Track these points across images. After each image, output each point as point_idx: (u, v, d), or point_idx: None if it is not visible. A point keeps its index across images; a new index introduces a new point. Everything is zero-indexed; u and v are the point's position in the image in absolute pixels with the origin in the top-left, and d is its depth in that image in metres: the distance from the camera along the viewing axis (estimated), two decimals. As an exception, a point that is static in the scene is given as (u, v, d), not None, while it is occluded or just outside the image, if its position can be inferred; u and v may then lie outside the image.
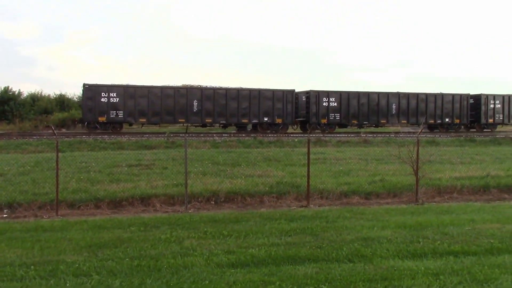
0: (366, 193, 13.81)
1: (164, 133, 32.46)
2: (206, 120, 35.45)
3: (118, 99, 33.31)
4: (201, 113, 35.15)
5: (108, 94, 33.14)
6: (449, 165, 18.25)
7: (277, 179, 14.71)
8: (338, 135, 34.19)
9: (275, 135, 32.31)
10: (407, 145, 14.25)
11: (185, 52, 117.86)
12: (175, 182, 13.89)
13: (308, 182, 12.78)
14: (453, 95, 41.83)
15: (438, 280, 6.34)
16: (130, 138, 27.64)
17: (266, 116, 36.55)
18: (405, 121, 40.59)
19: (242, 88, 36.86)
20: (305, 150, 21.26)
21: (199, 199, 12.72)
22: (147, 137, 28.37)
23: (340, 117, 38.31)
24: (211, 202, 12.73)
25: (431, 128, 42.33)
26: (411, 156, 13.58)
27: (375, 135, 32.54)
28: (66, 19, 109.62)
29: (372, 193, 13.86)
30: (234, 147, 25.13)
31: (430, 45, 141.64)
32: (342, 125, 39.07)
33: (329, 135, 32.76)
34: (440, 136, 32.90)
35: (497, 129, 44.24)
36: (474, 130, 42.14)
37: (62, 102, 49.11)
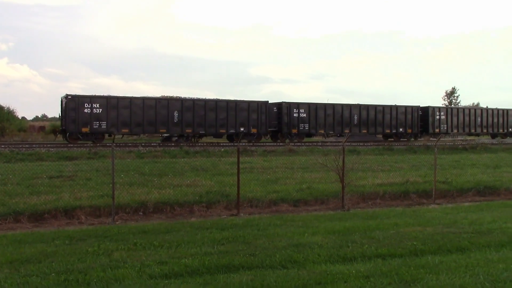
0: (295, 200, 14.03)
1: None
2: (186, 131, 36.51)
3: (101, 110, 33.49)
4: (181, 124, 36.15)
5: (91, 105, 33.30)
6: (371, 173, 18.96)
7: (206, 188, 14.62)
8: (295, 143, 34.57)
9: (201, 146, 32.19)
10: (333, 154, 14.67)
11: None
12: (100, 193, 13.41)
13: (238, 190, 12.79)
14: (405, 107, 45.64)
15: (369, 282, 6.52)
16: (50, 149, 26.42)
17: (242, 127, 38.23)
18: (365, 131, 43.94)
19: (219, 99, 38.39)
20: (232, 159, 21.48)
21: (127, 210, 12.35)
22: (67, 148, 27.25)
23: (308, 127, 40.90)
24: (139, 213, 12.41)
25: (386, 137, 45.84)
26: (336, 164, 13.97)
27: (301, 144, 33.13)
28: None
29: (301, 200, 14.10)
30: (159, 157, 24.73)
31: (345, 60, 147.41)
32: (309, 134, 41.52)
33: (256, 145, 33.05)
34: (360, 145, 34.14)
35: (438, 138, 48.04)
36: (422, 139, 45.70)
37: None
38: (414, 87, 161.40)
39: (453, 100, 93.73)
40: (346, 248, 8.43)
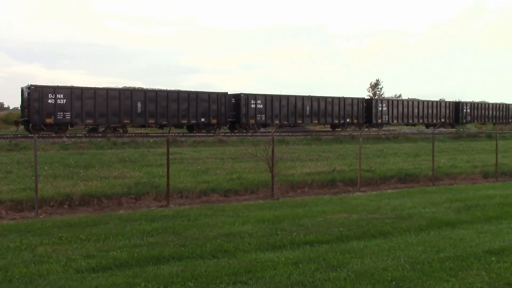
0: (225, 190, 14.09)
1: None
2: (149, 121, 36.69)
3: (65, 100, 33.16)
4: (144, 115, 36.34)
5: (55, 96, 32.88)
6: (299, 162, 19.35)
7: (135, 180, 14.36)
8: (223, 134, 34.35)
9: (130, 136, 31.49)
10: (263, 144, 14.83)
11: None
12: (22, 187, 12.84)
13: (168, 181, 12.65)
14: (352, 99, 48.03)
15: (297, 269, 6.69)
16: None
17: (203, 117, 38.84)
18: (316, 121, 45.67)
19: (181, 90, 38.49)
20: (161, 150, 21.19)
21: (51, 204, 11.89)
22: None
23: (265, 117, 41.82)
24: (65, 206, 11.98)
25: (333, 127, 47.77)
26: (266, 154, 14.15)
27: (231, 135, 33.20)
28: None
29: (231, 190, 14.18)
30: (85, 148, 23.91)
31: (275, 52, 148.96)
32: (266, 124, 42.56)
33: (186, 136, 32.77)
34: (289, 135, 34.72)
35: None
36: (367, 129, 47.38)
37: None
38: (341, 79, 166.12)
39: (377, 92, 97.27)
40: (276, 236, 8.59)
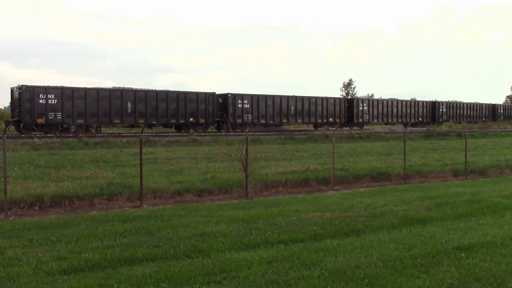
0: (199, 190, 14.05)
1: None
2: (139, 121, 37.00)
3: (56, 100, 33.35)
4: (134, 114, 36.77)
5: (46, 96, 33.04)
6: (273, 162, 19.41)
7: (108, 180, 14.19)
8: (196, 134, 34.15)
9: (102, 136, 31.14)
10: (237, 143, 14.84)
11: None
12: (-10, 188, 12.53)
13: (141, 182, 12.55)
14: (334, 99, 50.13)
15: (271, 268, 6.72)
16: None
17: (191, 117, 39.60)
18: (300, 121, 46.94)
19: (170, 90, 39.06)
20: (134, 150, 20.98)
21: (21, 205, 11.66)
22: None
23: (251, 117, 42.80)
24: (35, 208, 11.76)
25: (316, 126, 48.92)
26: (240, 153, 14.16)
27: (205, 135, 33.13)
28: None
29: (205, 190, 14.14)
30: (57, 149, 23.54)
31: (250, 51, 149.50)
32: (252, 124, 41.68)
33: (159, 136, 32.53)
34: (263, 135, 34.78)
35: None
36: (348, 128, 50.34)
37: None
38: (315, 78, 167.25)
39: (350, 91, 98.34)
40: (250, 235, 8.61)
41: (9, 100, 35.16)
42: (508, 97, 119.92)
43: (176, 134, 35.45)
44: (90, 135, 32.15)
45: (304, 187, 15.59)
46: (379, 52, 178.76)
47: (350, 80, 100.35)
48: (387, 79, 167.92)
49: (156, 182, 14.17)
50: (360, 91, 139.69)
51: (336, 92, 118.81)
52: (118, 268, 6.81)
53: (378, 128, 51.74)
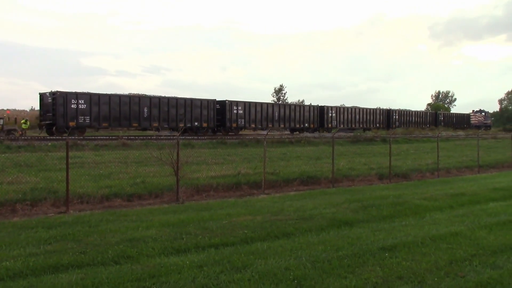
0: (128, 195, 13.74)
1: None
2: (153, 124, 40.62)
3: (85, 105, 36.65)
4: (149, 119, 40.22)
5: (77, 101, 36.38)
6: (205, 166, 19.35)
7: (31, 185, 13.59)
8: (98, 137, 33.20)
9: (26, 140, 29.71)
10: (168, 148, 14.66)
11: None
12: None
13: (67, 186, 12.11)
14: (309, 106, 56.80)
15: (202, 272, 6.70)
16: None
17: (196, 121, 43.38)
18: (282, 125, 52.19)
19: (179, 97, 42.76)
20: (61, 154, 20.20)
21: None
22: None
23: (244, 121, 47.20)
24: (-50, 215, 11.05)
25: (293, 131, 53.16)
26: (171, 157, 14.01)
27: (135, 138, 32.55)
28: None
29: (134, 195, 13.85)
30: (-25, 152, 22.24)
31: (182, 54, 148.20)
32: (244, 128, 47.66)
33: (86, 139, 31.52)
34: (195, 139, 34.58)
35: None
36: (318, 133, 54.25)
37: None
38: (249, 82, 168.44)
39: (281, 97, 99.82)
40: (181, 240, 8.53)
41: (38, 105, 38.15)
42: (428, 104, 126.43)
43: (104, 137, 34.70)
44: (12, 138, 30.60)
45: (235, 191, 15.64)
46: (309, 58, 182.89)
47: (281, 86, 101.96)
48: (316, 86, 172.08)
49: (83, 186, 13.73)
50: (291, 97, 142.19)
51: (268, 97, 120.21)
52: (41, 276, 6.54)
53: (308, 134, 53.11)
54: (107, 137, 34.63)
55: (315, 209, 11.65)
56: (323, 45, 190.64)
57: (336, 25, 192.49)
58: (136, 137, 35.40)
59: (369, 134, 51.31)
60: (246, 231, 9.21)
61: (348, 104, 64.91)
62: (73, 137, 31.07)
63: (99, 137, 34.52)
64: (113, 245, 8.07)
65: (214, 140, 34.57)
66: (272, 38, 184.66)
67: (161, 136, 37.17)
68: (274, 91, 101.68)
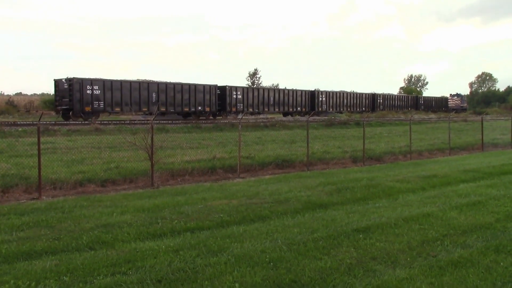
0: (102, 180, 13.61)
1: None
2: (161, 109, 41.93)
3: (99, 91, 37.93)
4: (158, 103, 41.29)
5: (92, 87, 37.61)
6: (180, 150, 19.25)
7: (2, 171, 13.33)
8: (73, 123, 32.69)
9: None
10: (142, 132, 14.52)
11: None
12: None
13: (39, 172, 11.91)
14: (301, 91, 58.04)
15: (178, 256, 6.69)
16: None
17: (199, 106, 45.16)
18: (277, 110, 54.32)
19: (184, 83, 44.24)
20: (32, 140, 19.83)
21: None
22: None
23: (242, 106, 48.95)
24: None
25: (285, 114, 55.77)
26: (146, 142, 13.89)
27: (108, 123, 32.19)
28: None
29: (109, 180, 13.73)
30: None
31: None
32: (242, 112, 48.89)
33: (58, 124, 31.02)
34: (169, 124, 34.36)
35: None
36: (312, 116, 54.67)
37: None
38: (223, 68, 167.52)
39: (256, 81, 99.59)
40: (156, 224, 8.50)
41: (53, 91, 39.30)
42: (401, 88, 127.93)
43: (77, 123, 34.25)
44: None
45: (210, 176, 15.63)
46: (285, 44, 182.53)
47: (256, 70, 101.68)
48: (291, 70, 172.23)
49: (56, 172, 13.53)
50: (265, 81, 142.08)
51: (242, 81, 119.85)
52: (14, 264, 6.45)
53: (283, 117, 53.52)
54: (79, 123, 34.23)
55: (290, 192, 11.72)
56: (299, 31, 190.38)
57: (309, 15, 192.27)
58: (110, 122, 35.10)
59: (342, 117, 51.68)
60: (221, 215, 9.23)
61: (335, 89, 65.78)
62: (44, 122, 30.60)
63: (71, 123, 34.09)
64: (87, 231, 8.00)
65: (188, 125, 34.40)
66: (242, 27, 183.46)
67: (135, 120, 36.97)
68: (248, 75, 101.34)
